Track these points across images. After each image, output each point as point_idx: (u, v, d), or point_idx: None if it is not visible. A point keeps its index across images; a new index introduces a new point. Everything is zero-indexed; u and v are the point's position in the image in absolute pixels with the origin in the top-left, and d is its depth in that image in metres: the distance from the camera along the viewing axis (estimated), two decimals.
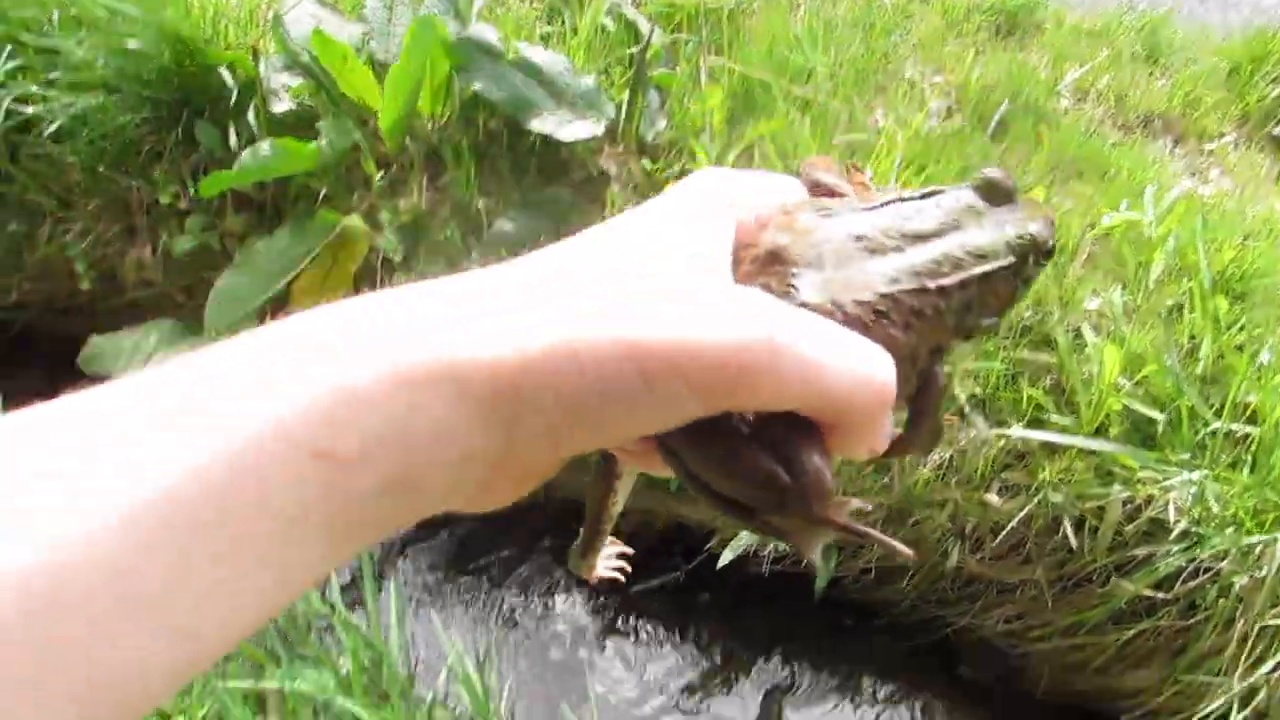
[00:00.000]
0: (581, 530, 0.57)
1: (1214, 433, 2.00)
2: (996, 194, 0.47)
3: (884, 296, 0.43)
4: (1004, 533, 2.17)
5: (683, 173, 2.30)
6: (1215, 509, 1.94)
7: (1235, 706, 1.89)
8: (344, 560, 0.38)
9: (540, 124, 2.19)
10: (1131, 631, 2.09)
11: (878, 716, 2.37)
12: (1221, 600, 1.96)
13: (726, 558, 2.21)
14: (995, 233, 0.46)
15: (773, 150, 2.25)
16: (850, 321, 0.42)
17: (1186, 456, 1.97)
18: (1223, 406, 2.01)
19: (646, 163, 2.36)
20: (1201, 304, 2.03)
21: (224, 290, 2.28)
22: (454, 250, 2.36)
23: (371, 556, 2.33)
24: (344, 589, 2.41)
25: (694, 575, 2.43)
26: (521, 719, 2.10)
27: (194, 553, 0.34)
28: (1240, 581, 1.92)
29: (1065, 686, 2.26)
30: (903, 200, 0.46)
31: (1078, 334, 2.12)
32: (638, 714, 2.33)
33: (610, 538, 0.59)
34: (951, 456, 2.22)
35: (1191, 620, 2.02)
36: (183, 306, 2.47)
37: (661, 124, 2.37)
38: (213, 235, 2.34)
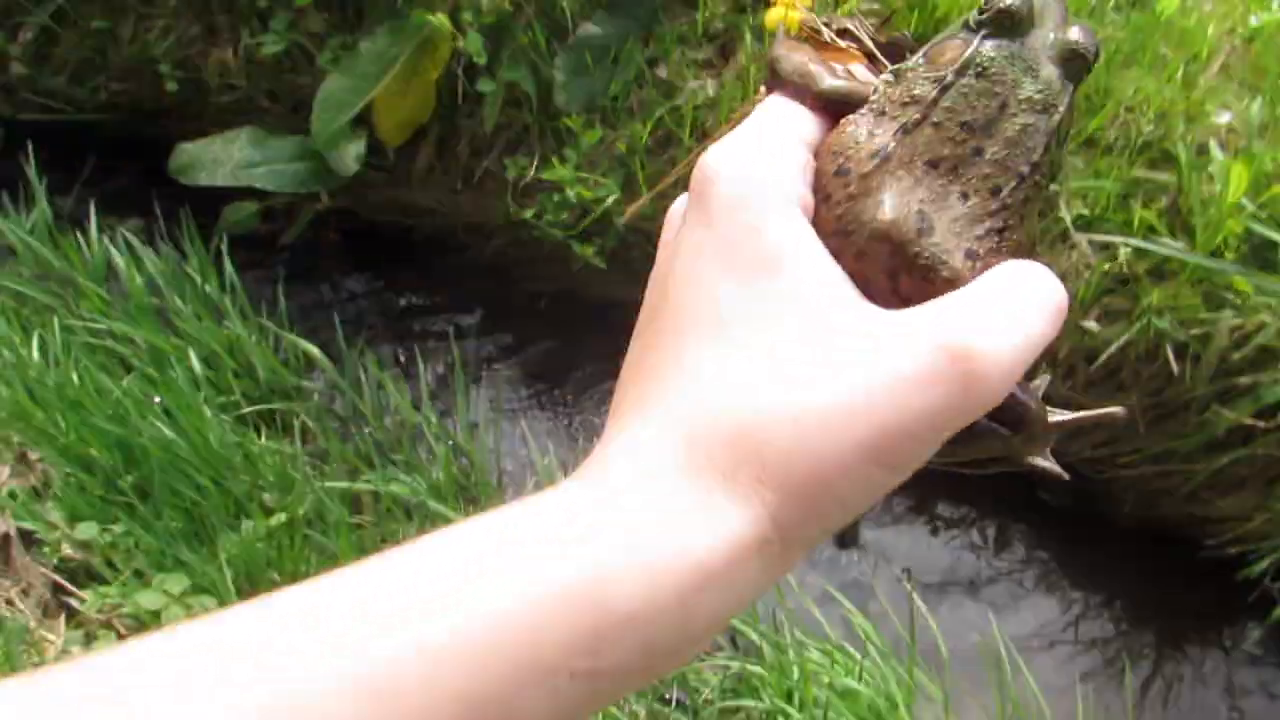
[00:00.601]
0: None
1: None
2: (1017, 20, 0.42)
3: (996, 213, 0.40)
4: (1101, 360, 2.11)
5: None
6: None
7: None
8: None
9: None
10: (1225, 459, 2.05)
11: (953, 539, 2.39)
12: None
13: None
14: (1047, 72, 0.42)
15: None
16: (987, 261, 0.39)
17: None
18: None
19: None
20: None
21: (327, 96, 2.24)
22: (539, 56, 2.27)
23: (462, 368, 2.37)
24: (434, 397, 2.48)
25: None
26: None
27: None
28: None
29: (1148, 511, 2.25)
30: (939, 84, 0.41)
31: (1202, 150, 1.98)
32: None
33: None
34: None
35: None
36: (267, 111, 2.45)
37: None
38: (296, 35, 2.28)
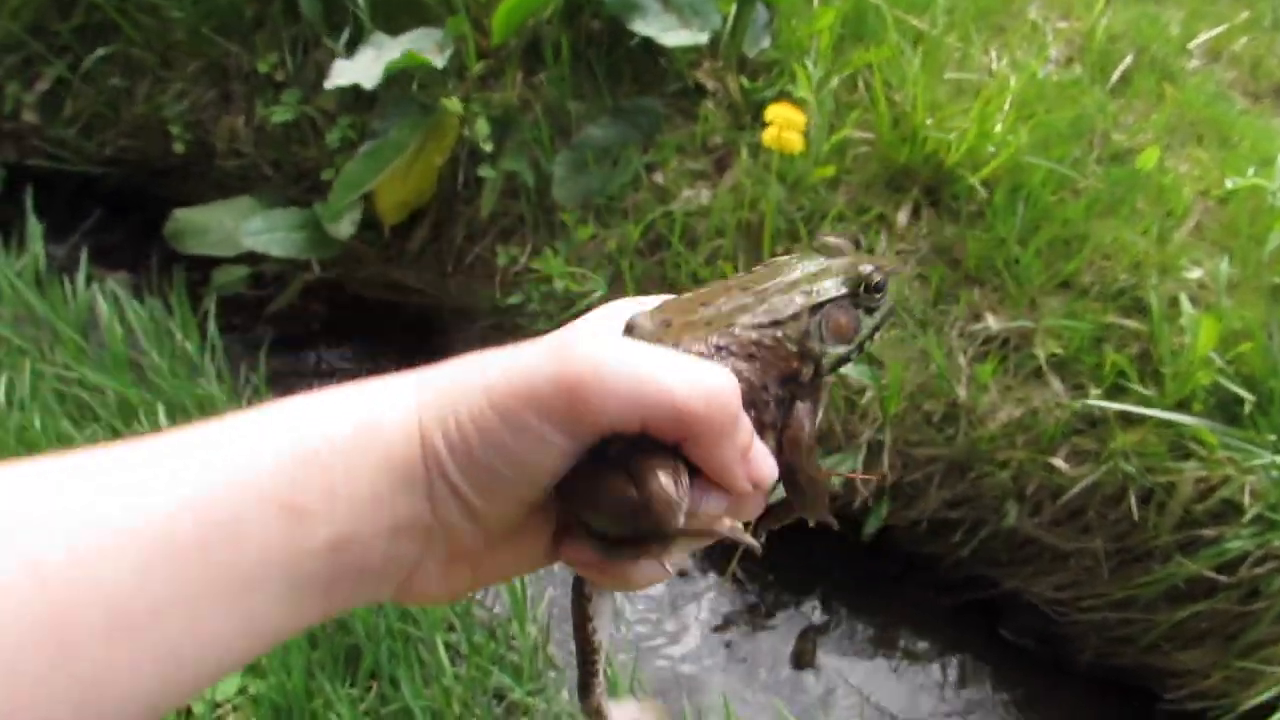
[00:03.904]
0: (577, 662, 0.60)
1: None
2: (834, 251, 0.58)
3: (722, 334, 0.51)
4: (1066, 498, 2.11)
5: (781, 95, 2.24)
6: None
7: None
8: (303, 623, 0.45)
9: (644, 25, 2.14)
10: (1187, 612, 2.03)
11: (913, 666, 2.35)
12: None
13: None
14: (824, 271, 0.56)
15: (878, 81, 2.18)
16: (690, 354, 0.50)
17: (1273, 439, 1.89)
18: None
19: (745, 81, 2.31)
20: None
21: (348, 176, 2.30)
22: (541, 150, 2.34)
23: None
24: None
25: None
26: (555, 631, 2.12)
27: (180, 581, 0.39)
28: None
29: (1109, 660, 2.22)
30: (748, 272, 0.57)
31: (1173, 302, 2.03)
32: (671, 645, 2.34)
33: (648, 704, 0.62)
34: (1022, 416, 2.16)
35: (1252, 606, 1.95)
36: (269, 180, 2.50)
37: (766, 42, 2.30)
38: (307, 109, 2.35)
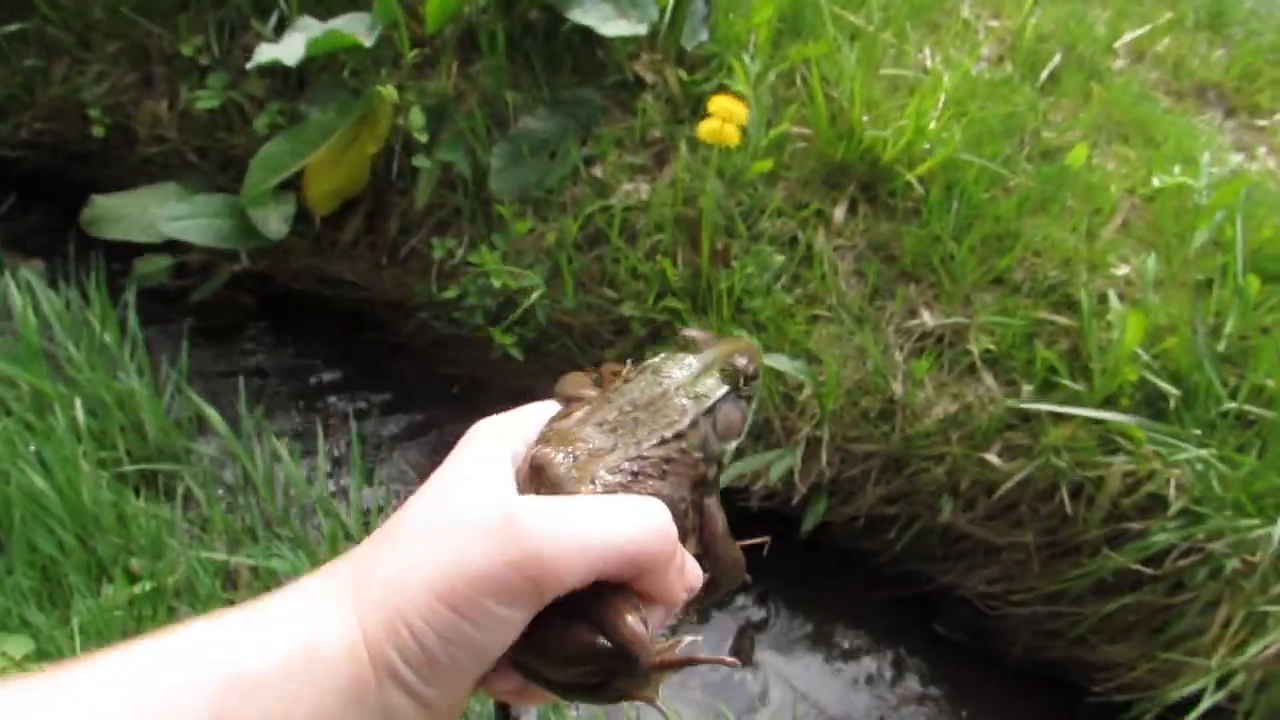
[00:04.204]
0: None
1: (1226, 413, 1.96)
2: (697, 346, 0.59)
3: (633, 459, 0.52)
4: (999, 493, 2.14)
5: (720, 89, 2.23)
6: (1218, 490, 1.90)
7: (1210, 688, 1.87)
8: None
9: (582, 15, 2.12)
10: (1114, 605, 2.06)
11: (848, 662, 2.35)
12: (1210, 582, 1.93)
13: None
14: (703, 372, 0.57)
15: (815, 76, 2.18)
16: (613, 489, 0.50)
17: (1196, 433, 1.93)
18: (1237, 388, 1.97)
19: (683, 74, 2.29)
20: (1233, 281, 1.98)
21: (265, 157, 2.22)
22: (478, 141, 2.30)
23: (363, 447, 2.30)
24: (330, 475, 2.39)
25: None
26: None
27: None
28: (1232, 564, 1.89)
29: (1039, 653, 2.25)
30: (626, 382, 0.57)
31: (1102, 298, 2.06)
32: None
33: None
34: (957, 412, 2.18)
35: (1177, 599, 1.99)
36: (194, 167, 2.42)
37: (704, 35, 2.29)
38: (234, 94, 2.28)
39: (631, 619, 0.48)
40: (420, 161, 2.27)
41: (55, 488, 1.93)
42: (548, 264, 2.34)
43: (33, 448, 2.02)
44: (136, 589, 1.92)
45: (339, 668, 0.44)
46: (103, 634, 1.81)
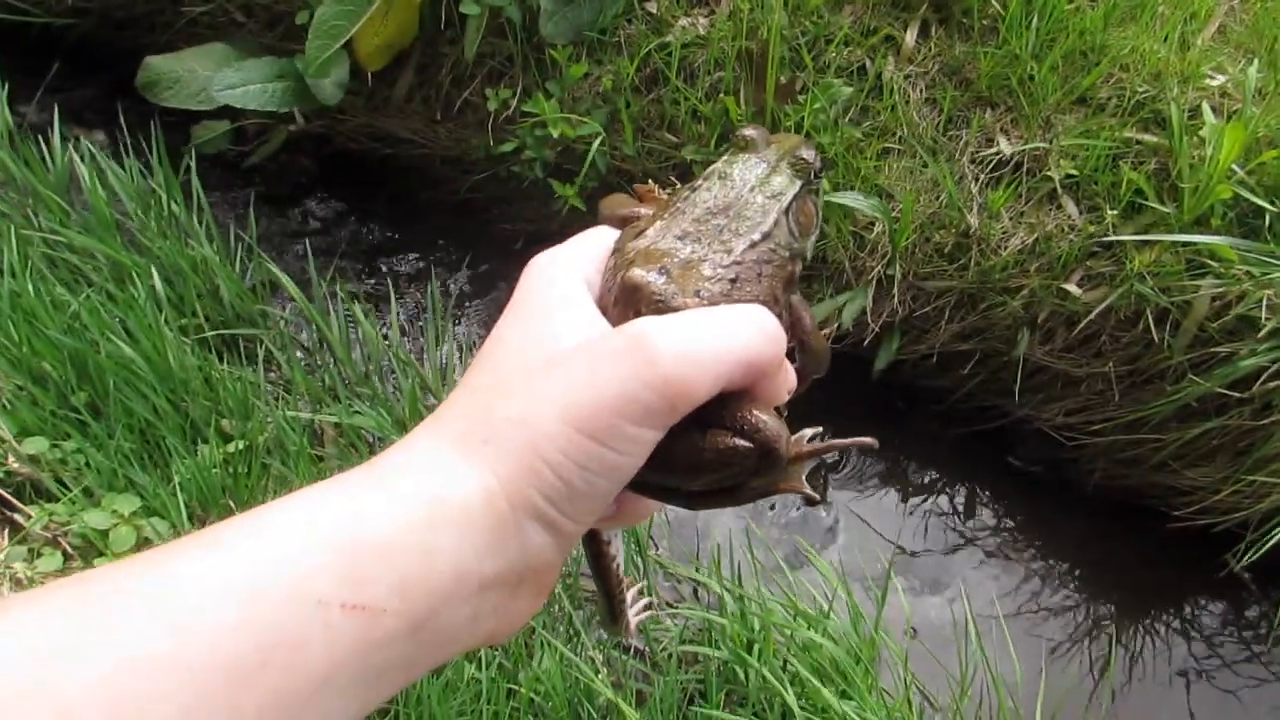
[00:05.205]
0: (600, 601, 0.69)
1: None
2: (755, 144, 0.58)
3: (728, 266, 0.52)
4: (1080, 324, 2.09)
5: None
6: None
7: None
8: (382, 699, 0.44)
9: None
10: (1197, 429, 2.03)
11: (923, 500, 2.38)
12: None
13: None
14: (776, 173, 0.57)
15: None
16: (716, 299, 0.50)
17: None
18: None
19: None
20: None
21: (321, 23, 2.16)
22: None
23: (435, 304, 2.31)
24: (403, 332, 2.42)
25: None
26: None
27: (243, 705, 0.38)
28: None
29: (1118, 481, 2.24)
30: (693, 190, 0.56)
31: (1194, 113, 1.95)
32: None
33: (631, 591, 0.70)
34: (1035, 242, 2.11)
35: (1264, 421, 1.95)
36: (241, 26, 2.37)
37: None
38: None
39: (768, 417, 0.49)
40: (468, 7, 2.19)
41: (143, 354, 1.98)
42: (605, 110, 2.28)
43: (117, 317, 2.06)
44: (230, 448, 1.99)
45: (472, 518, 0.44)
46: (203, 491, 1.89)
